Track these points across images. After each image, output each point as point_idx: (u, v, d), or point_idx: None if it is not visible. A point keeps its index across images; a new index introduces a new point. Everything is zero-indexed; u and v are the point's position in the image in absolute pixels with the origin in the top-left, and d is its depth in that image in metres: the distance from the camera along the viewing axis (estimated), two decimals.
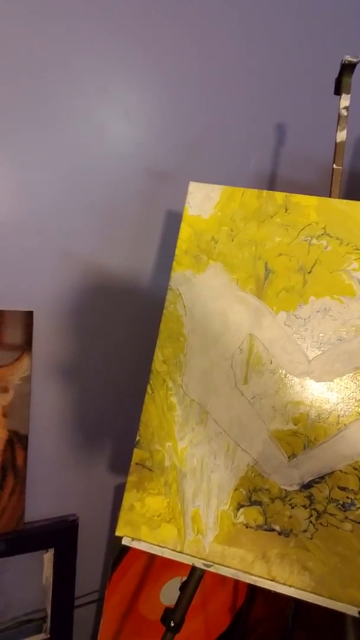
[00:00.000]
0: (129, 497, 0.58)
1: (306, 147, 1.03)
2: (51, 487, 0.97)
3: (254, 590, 1.08)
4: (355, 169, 1.07)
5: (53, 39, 0.74)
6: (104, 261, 0.89)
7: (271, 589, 0.53)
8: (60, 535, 0.97)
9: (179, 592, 0.98)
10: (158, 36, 0.82)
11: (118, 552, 0.96)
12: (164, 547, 0.56)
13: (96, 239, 0.87)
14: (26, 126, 0.76)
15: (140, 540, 0.56)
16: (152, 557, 0.99)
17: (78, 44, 0.76)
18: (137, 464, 0.58)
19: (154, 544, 0.56)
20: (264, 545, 0.54)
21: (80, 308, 0.90)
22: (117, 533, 0.57)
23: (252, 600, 1.08)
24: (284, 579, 0.53)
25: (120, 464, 1.02)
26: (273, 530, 0.54)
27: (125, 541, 0.57)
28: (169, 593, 1.01)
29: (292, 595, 0.52)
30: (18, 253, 0.82)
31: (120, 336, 0.94)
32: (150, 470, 0.58)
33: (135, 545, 0.56)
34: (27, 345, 0.88)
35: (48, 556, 0.97)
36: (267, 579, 0.53)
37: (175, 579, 1.01)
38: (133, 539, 0.56)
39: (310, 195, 0.59)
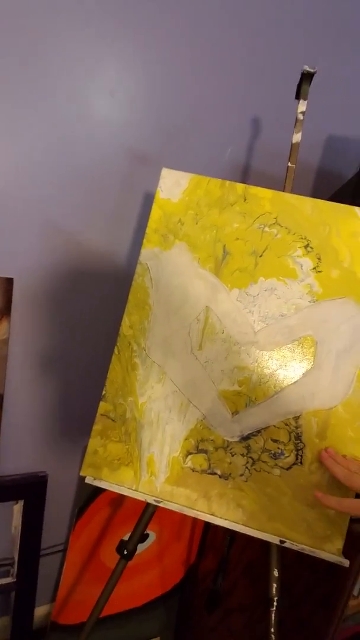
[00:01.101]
0: (93, 443, 0.66)
1: (279, 143, 1.10)
2: (23, 445, 1.05)
3: (204, 547, 1.19)
4: (325, 167, 1.16)
5: (44, 20, 0.79)
6: (83, 234, 0.96)
7: (210, 521, 0.63)
8: (30, 489, 1.05)
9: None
10: (148, 21, 0.87)
11: (83, 502, 1.04)
12: (121, 486, 0.65)
13: (77, 213, 0.93)
14: (15, 102, 0.81)
15: (101, 479, 0.65)
16: (113, 511, 1.08)
17: (69, 25, 0.81)
18: (102, 415, 0.66)
19: (113, 483, 0.65)
20: (206, 486, 0.64)
21: (58, 277, 0.97)
22: (82, 473, 0.66)
23: (203, 555, 1.19)
24: (221, 513, 0.63)
25: (90, 425, 1.10)
26: (215, 474, 0.64)
27: (88, 480, 0.65)
28: None
29: (227, 527, 0.62)
30: (1, 222, 0.87)
31: (94, 305, 1.01)
32: (113, 420, 0.66)
33: (96, 483, 0.65)
34: (6, 310, 0.94)
35: (17, 507, 1.05)
36: (208, 514, 0.63)
37: None
38: (95, 479, 0.65)
39: (275, 188, 0.67)
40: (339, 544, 0.60)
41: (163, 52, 0.91)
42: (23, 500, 1.04)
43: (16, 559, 1.06)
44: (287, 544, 0.61)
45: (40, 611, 1.18)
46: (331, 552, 0.60)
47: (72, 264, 0.97)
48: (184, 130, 0.99)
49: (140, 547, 1.13)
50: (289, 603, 0.80)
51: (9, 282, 0.93)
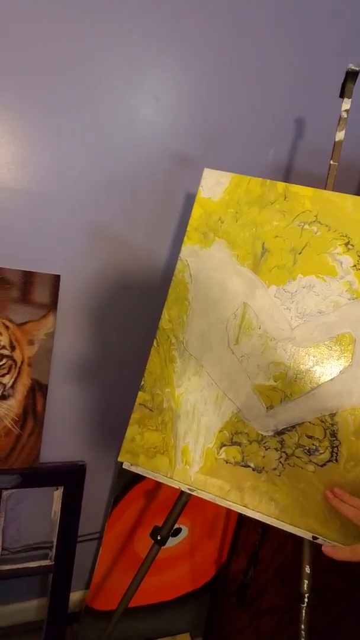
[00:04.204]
0: (131, 431, 0.69)
1: (323, 143, 1.10)
2: (65, 434, 1.10)
3: (236, 547, 1.19)
4: None
5: (94, 30, 0.84)
6: (126, 235, 1.00)
7: (243, 513, 0.64)
8: (70, 476, 1.10)
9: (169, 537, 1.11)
10: (192, 28, 0.90)
11: (118, 492, 1.08)
12: (156, 473, 0.67)
13: (121, 214, 0.98)
14: (65, 109, 0.86)
15: (138, 466, 0.68)
16: (147, 502, 1.11)
17: (117, 35, 0.85)
18: (140, 404, 0.69)
19: (149, 470, 0.67)
20: (239, 478, 0.65)
21: (102, 275, 1.01)
22: (119, 459, 0.69)
23: (234, 555, 1.20)
24: (253, 506, 0.64)
25: (128, 418, 1.14)
26: (248, 466, 0.65)
27: (125, 465, 0.68)
28: None
29: (259, 519, 0.63)
30: (50, 222, 0.93)
31: (136, 301, 1.05)
32: (151, 410, 0.69)
33: (133, 469, 0.68)
34: (53, 304, 0.99)
35: (57, 493, 1.10)
36: (240, 505, 0.64)
37: None
38: (132, 464, 0.68)
39: (319, 188, 0.68)
40: None
41: (206, 56, 0.94)
42: (63, 487, 1.09)
43: (55, 543, 1.11)
44: (320, 540, 0.61)
45: (75, 596, 1.23)
46: None
47: (115, 262, 1.01)
48: (227, 133, 1.01)
49: (173, 541, 1.15)
50: (320, 607, 0.79)
51: (56, 278, 0.98)
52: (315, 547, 0.63)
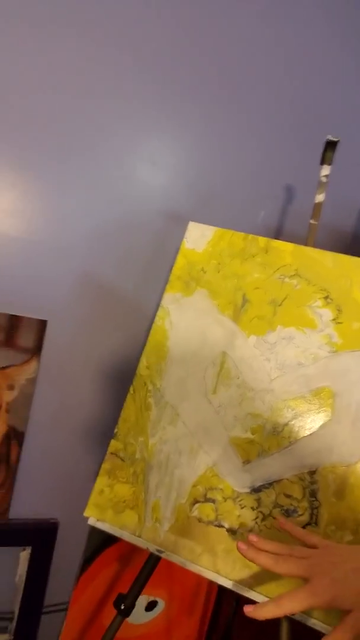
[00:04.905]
0: (100, 482, 0.65)
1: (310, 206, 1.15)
2: (38, 488, 1.04)
3: (216, 625, 1.08)
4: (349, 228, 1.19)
5: (96, 98, 0.91)
6: (116, 285, 1.01)
7: (214, 580, 0.58)
8: (40, 535, 1.02)
9: (143, 610, 1.02)
10: (188, 98, 0.98)
11: (90, 553, 1.00)
12: (124, 531, 0.62)
13: (111, 264, 1.00)
14: (65, 164, 0.92)
15: (104, 521, 0.63)
16: (121, 568, 1.02)
17: (117, 101, 0.93)
18: (111, 453, 0.66)
19: (116, 527, 0.63)
20: (212, 540, 0.60)
21: (89, 323, 1.01)
22: (85, 513, 0.64)
23: (214, 633, 1.08)
24: (226, 572, 0.59)
25: None
26: (222, 526, 0.61)
27: (90, 521, 0.64)
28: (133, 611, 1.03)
29: (231, 588, 0.57)
30: (41, 269, 0.95)
31: (122, 353, 1.04)
32: (123, 460, 0.66)
33: (99, 525, 0.63)
34: (37, 349, 0.98)
35: (25, 554, 1.02)
36: (212, 571, 0.59)
37: (142, 596, 1.03)
38: (98, 520, 0.63)
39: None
40: None
41: (200, 123, 1.01)
42: (31, 547, 1.01)
43: (16, 613, 1.01)
44: (297, 617, 0.55)
45: None
46: None
47: (103, 311, 1.02)
48: (220, 195, 1.06)
49: (147, 616, 1.05)
50: None
51: (43, 323, 0.98)
52: (296, 625, 0.57)
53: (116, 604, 0.65)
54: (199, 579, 1.08)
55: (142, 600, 1.03)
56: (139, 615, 1.04)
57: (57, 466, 1.04)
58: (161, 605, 1.06)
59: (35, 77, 0.87)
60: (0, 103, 0.85)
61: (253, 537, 0.50)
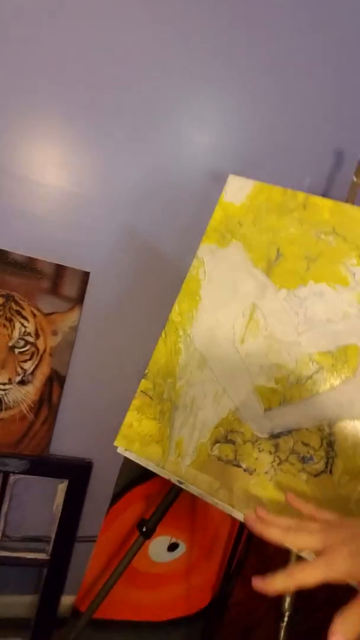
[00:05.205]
0: (130, 417, 0.70)
1: None
2: (76, 429, 1.12)
3: (234, 574, 1.14)
4: None
5: (144, 51, 0.92)
6: (158, 241, 1.04)
7: (229, 513, 0.62)
8: (76, 471, 1.11)
9: (166, 550, 1.09)
10: (238, 56, 0.97)
11: (118, 490, 1.07)
12: (149, 461, 0.67)
13: (156, 222, 1.03)
14: (115, 120, 0.94)
15: (132, 452, 0.69)
16: (147, 506, 1.09)
17: (166, 57, 0.93)
18: (141, 391, 0.71)
19: (142, 457, 0.68)
20: (230, 477, 0.64)
21: (130, 277, 1.06)
22: (115, 443, 0.70)
23: (231, 584, 1.14)
24: (240, 508, 0.63)
25: None
26: (240, 466, 0.64)
27: (119, 450, 0.69)
28: (156, 549, 1.11)
29: (244, 522, 0.61)
30: (87, 221, 1.00)
31: (161, 307, 1.08)
32: (151, 398, 0.70)
33: (127, 454, 0.69)
34: (79, 299, 1.04)
35: (62, 486, 1.11)
36: (228, 505, 0.63)
37: (165, 537, 1.10)
38: (126, 449, 0.69)
39: None
40: None
41: (249, 85, 0.99)
42: (68, 481, 1.10)
43: (53, 537, 1.12)
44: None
45: (67, 600, 1.21)
46: None
47: (145, 266, 1.06)
48: (267, 158, 1.05)
49: (169, 557, 1.12)
50: (309, 609, 0.74)
51: (86, 275, 1.03)
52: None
53: (139, 527, 0.71)
54: (219, 527, 1.14)
55: (165, 541, 1.11)
56: (161, 554, 1.12)
57: (94, 410, 1.12)
58: (182, 548, 1.13)
59: (89, 37, 0.89)
60: (52, 62, 0.88)
61: (261, 512, 0.48)
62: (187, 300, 0.71)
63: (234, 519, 0.62)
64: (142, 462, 0.67)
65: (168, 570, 1.13)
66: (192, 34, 0.94)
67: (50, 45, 0.88)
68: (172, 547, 1.11)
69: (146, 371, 0.71)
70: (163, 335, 0.71)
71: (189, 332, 0.70)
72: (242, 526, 1.06)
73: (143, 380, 0.71)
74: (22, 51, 0.87)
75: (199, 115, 0.99)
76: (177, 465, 0.66)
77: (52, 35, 0.87)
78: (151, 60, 0.93)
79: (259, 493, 0.62)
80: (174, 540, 1.10)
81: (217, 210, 0.73)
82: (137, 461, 0.68)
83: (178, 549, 1.13)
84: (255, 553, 1.01)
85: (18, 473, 1.07)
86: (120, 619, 1.12)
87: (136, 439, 0.69)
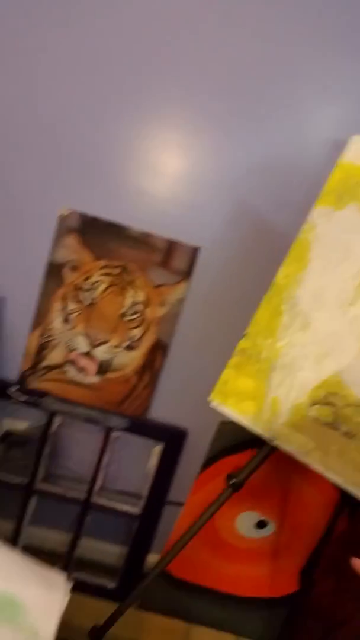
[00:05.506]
0: (227, 373, 0.72)
1: None
2: (174, 396, 1.17)
3: (319, 566, 1.09)
4: None
5: (266, 25, 0.93)
6: (271, 220, 1.04)
7: (322, 474, 0.61)
8: (171, 436, 1.17)
9: (254, 526, 1.08)
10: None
11: (209, 458, 1.09)
12: (243, 417, 0.69)
13: (270, 200, 1.03)
14: (232, 101, 0.97)
15: (226, 406, 0.71)
16: None
17: (287, 29, 0.93)
18: (240, 349, 0.72)
19: (237, 412, 0.69)
20: (326, 440, 0.62)
21: (240, 254, 1.07)
22: (211, 397, 0.72)
23: (316, 574, 1.09)
24: (336, 471, 0.60)
25: None
26: (338, 429, 0.62)
27: (214, 404, 0.71)
28: (243, 522, 1.10)
29: (341, 484, 0.59)
30: (200, 197, 1.04)
31: (266, 284, 1.08)
32: (249, 357, 0.71)
33: (221, 409, 0.71)
34: (188, 273, 1.09)
35: (157, 449, 1.18)
36: (321, 467, 0.61)
37: (254, 513, 1.10)
38: (221, 403, 0.71)
39: None
40: None
41: None
42: (164, 444, 1.16)
43: (145, 495, 1.19)
44: None
45: (153, 558, 1.27)
46: None
47: (256, 244, 1.06)
48: None
49: (257, 533, 1.11)
50: None
51: (195, 250, 1.08)
52: None
53: (228, 478, 0.73)
54: (310, 517, 1.09)
55: (254, 516, 1.10)
56: (249, 530, 1.11)
57: (194, 380, 1.16)
58: (271, 527, 1.11)
59: (211, 21, 0.93)
60: (173, 46, 0.94)
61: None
62: (294, 263, 0.71)
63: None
64: (236, 418, 0.69)
65: (255, 546, 1.12)
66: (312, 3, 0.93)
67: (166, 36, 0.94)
68: (261, 524, 1.10)
69: (246, 331, 0.72)
70: (266, 297, 0.72)
71: (294, 294, 0.70)
72: (335, 516, 1.00)
73: (242, 340, 0.72)
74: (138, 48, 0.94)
75: (323, 85, 0.96)
76: (271, 423, 0.66)
77: (167, 28, 0.93)
78: (269, 35, 0.94)
79: (357, 458, 0.59)
80: (263, 517, 1.09)
81: (335, 171, 0.71)
82: (230, 416, 0.69)
83: (266, 528, 1.11)
84: (345, 544, 0.95)
85: (119, 430, 1.16)
86: (204, 586, 1.14)
87: (231, 394, 0.71)
